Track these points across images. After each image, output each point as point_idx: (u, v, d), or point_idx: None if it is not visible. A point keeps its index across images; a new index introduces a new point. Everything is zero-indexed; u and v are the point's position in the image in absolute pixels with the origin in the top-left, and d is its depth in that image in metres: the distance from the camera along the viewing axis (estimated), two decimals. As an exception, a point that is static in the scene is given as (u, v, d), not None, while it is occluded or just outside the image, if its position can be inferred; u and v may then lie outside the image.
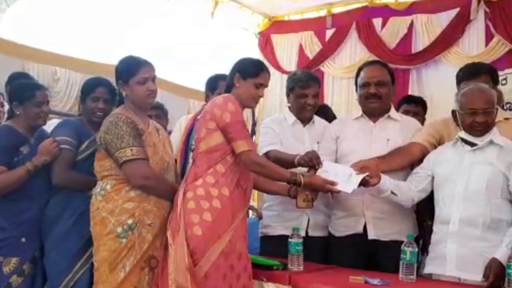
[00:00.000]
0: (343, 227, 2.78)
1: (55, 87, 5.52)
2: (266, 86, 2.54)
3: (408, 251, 2.27)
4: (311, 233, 2.82)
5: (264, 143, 2.97)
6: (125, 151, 2.39)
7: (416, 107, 3.67)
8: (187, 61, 5.90)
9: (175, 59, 5.21)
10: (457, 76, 2.89)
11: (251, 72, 2.50)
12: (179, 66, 5.48)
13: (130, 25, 5.46)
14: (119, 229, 2.36)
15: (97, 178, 2.51)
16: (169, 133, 3.22)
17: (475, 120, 2.40)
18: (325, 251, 2.87)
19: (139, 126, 2.50)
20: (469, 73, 2.79)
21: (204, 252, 2.24)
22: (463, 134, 2.47)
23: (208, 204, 2.31)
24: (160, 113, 3.74)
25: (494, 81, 2.80)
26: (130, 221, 2.37)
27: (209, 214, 2.29)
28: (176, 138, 3.28)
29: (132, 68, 2.52)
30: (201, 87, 6.14)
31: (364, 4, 6.08)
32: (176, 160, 2.95)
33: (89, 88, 2.82)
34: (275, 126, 3.04)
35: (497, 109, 2.44)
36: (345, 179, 2.51)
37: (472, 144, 2.44)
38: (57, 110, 4.96)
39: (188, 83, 5.95)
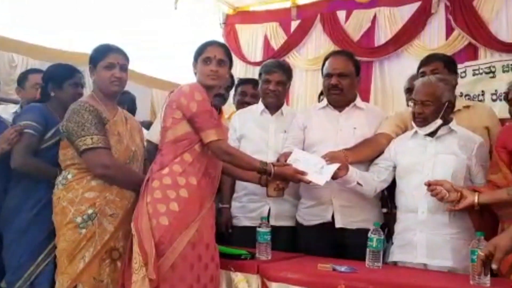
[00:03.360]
0: (311, 216, 2.79)
1: (13, 74, 5.32)
2: (217, 59, 2.43)
3: (375, 239, 2.30)
4: (274, 222, 2.81)
5: None
6: (86, 140, 2.34)
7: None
8: (150, 51, 5.78)
9: (138, 48, 5.09)
10: (418, 66, 2.99)
11: (197, 52, 2.48)
12: (143, 55, 5.36)
13: (91, 13, 5.30)
14: (79, 219, 2.32)
15: (61, 167, 2.45)
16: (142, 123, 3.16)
17: (414, 110, 2.49)
18: (292, 240, 2.88)
19: (103, 115, 2.45)
20: (424, 60, 2.93)
21: (171, 242, 2.20)
22: (413, 123, 2.56)
23: (175, 194, 2.27)
24: None
25: (448, 68, 2.86)
26: (90, 211, 2.33)
27: (175, 203, 2.25)
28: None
29: (100, 53, 2.49)
30: (165, 76, 6.09)
31: (329, -4, 6.14)
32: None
33: (68, 74, 2.76)
34: (237, 120, 3.08)
35: (449, 101, 2.48)
36: (316, 170, 2.51)
37: (432, 134, 2.50)
38: (14, 97, 4.76)
39: (152, 72, 5.86)
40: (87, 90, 2.91)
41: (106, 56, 2.48)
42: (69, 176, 2.40)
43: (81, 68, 2.90)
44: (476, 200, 2.24)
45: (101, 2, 5.37)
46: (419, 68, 2.93)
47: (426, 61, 2.91)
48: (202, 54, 2.45)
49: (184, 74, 2.62)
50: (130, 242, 2.28)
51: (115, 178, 2.40)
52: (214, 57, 2.43)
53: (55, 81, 2.74)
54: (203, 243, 2.28)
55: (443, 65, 2.86)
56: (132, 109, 3.58)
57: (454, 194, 2.29)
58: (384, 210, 2.96)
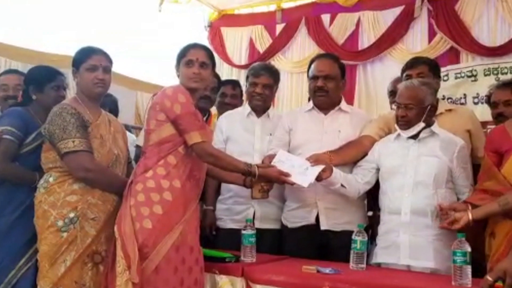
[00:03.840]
0: (296, 218, 2.80)
1: (-5, 77, 5.24)
2: (200, 62, 2.42)
3: (359, 240, 2.31)
4: (259, 225, 2.81)
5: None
6: (67, 142, 2.32)
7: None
8: (134, 53, 5.75)
9: (122, 50, 5.06)
10: (402, 69, 3.00)
11: (179, 54, 2.48)
12: (127, 57, 5.33)
13: (75, 15, 5.26)
14: (60, 223, 2.30)
15: (44, 171, 2.43)
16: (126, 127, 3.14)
17: (398, 114, 2.53)
18: (277, 243, 2.88)
19: (85, 117, 2.43)
20: (408, 64, 2.94)
21: (154, 245, 2.19)
22: (396, 126, 2.59)
23: (159, 197, 2.26)
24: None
25: (433, 72, 2.91)
26: (71, 215, 2.31)
27: (159, 206, 2.24)
28: None
29: (83, 55, 2.48)
30: (149, 79, 6.07)
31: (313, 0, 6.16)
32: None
33: (50, 76, 2.73)
34: (224, 122, 3.08)
35: (431, 104, 2.51)
36: (301, 171, 2.52)
37: (414, 137, 2.53)
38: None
39: (136, 75, 5.83)
40: (71, 93, 2.88)
41: (89, 58, 2.46)
42: (51, 180, 2.38)
43: (65, 70, 2.87)
44: (470, 218, 2.23)
45: (85, 4, 5.34)
46: (404, 71, 2.95)
47: (412, 65, 2.93)
48: (184, 57, 2.45)
49: (169, 77, 2.61)
50: (114, 246, 2.26)
51: (97, 181, 2.38)
52: (197, 59, 2.43)
53: (36, 84, 2.70)
54: (187, 246, 2.27)
55: (428, 68, 2.89)
56: (115, 112, 3.55)
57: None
58: (370, 213, 2.98)
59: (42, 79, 2.71)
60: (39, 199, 2.37)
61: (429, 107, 2.50)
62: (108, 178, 2.43)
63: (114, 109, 3.66)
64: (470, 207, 2.28)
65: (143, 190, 2.26)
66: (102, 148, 2.46)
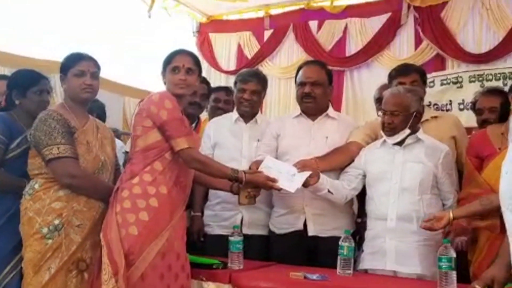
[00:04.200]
0: (284, 224, 2.80)
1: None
2: (186, 68, 2.42)
3: (346, 246, 2.32)
4: (247, 231, 2.82)
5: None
6: (52, 149, 2.30)
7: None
8: (123, 59, 5.73)
9: (110, 56, 5.04)
10: (390, 75, 3.00)
11: (165, 61, 2.48)
12: (115, 63, 5.31)
13: (62, 20, 5.23)
14: (45, 230, 2.28)
15: (30, 177, 2.41)
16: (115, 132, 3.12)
17: (384, 120, 2.54)
18: (265, 249, 2.88)
19: (72, 124, 2.41)
20: (401, 71, 2.93)
21: (140, 252, 2.17)
22: (382, 132, 2.60)
23: (145, 203, 2.24)
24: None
25: (423, 80, 2.95)
26: (56, 222, 2.29)
27: (145, 213, 2.23)
28: None
29: (71, 61, 2.47)
30: (137, 84, 6.04)
31: (301, 6, 6.21)
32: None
33: (33, 81, 2.68)
34: (212, 128, 3.08)
35: (417, 111, 2.53)
36: (288, 177, 2.53)
37: (400, 143, 2.54)
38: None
39: (124, 80, 5.81)
40: (58, 98, 2.85)
41: (77, 64, 2.45)
42: (36, 186, 2.35)
43: (50, 75, 2.85)
44: (451, 216, 2.24)
45: (73, 9, 5.31)
46: (394, 77, 2.93)
47: (405, 72, 2.91)
48: (170, 63, 2.45)
49: (157, 82, 2.61)
50: (100, 253, 2.25)
51: (82, 188, 2.36)
52: (183, 66, 2.43)
53: (20, 88, 2.66)
54: (173, 252, 2.26)
55: (419, 76, 2.92)
56: (102, 117, 3.53)
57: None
58: (359, 220, 2.98)
59: (25, 83, 2.68)
60: (24, 206, 2.35)
61: (414, 114, 2.53)
62: (94, 185, 2.42)
63: (101, 115, 3.64)
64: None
65: (129, 197, 2.25)
66: (88, 154, 2.44)
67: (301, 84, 2.86)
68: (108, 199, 2.34)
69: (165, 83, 2.48)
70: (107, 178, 2.52)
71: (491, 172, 2.40)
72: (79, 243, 2.32)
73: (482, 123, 2.97)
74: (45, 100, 2.69)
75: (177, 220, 2.32)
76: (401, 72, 2.93)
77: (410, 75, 2.88)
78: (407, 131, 2.53)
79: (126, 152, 3.22)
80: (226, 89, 3.71)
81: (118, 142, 3.30)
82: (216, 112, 3.48)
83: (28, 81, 2.68)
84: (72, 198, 2.35)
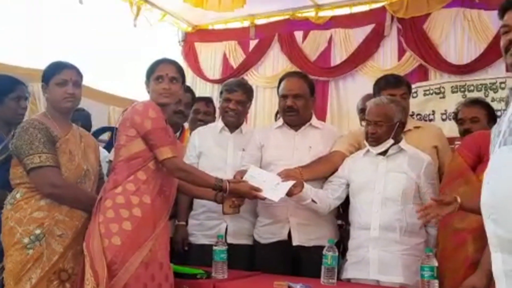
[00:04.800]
0: (268, 234, 2.80)
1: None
2: (169, 77, 2.42)
3: (330, 256, 2.33)
4: (231, 240, 2.81)
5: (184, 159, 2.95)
6: (33, 158, 2.29)
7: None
8: (108, 68, 5.70)
9: (95, 65, 5.01)
10: (378, 85, 3.01)
11: (149, 70, 2.48)
12: (100, 72, 5.28)
13: (46, 28, 5.18)
14: (26, 240, 2.25)
15: (12, 186, 2.38)
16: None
17: (368, 130, 2.56)
18: (249, 258, 2.88)
19: (54, 133, 2.39)
20: (393, 82, 2.95)
21: (123, 262, 2.15)
22: (365, 142, 2.63)
23: (128, 213, 2.23)
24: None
25: (410, 92, 3.00)
26: (38, 231, 2.26)
27: (129, 223, 2.21)
28: None
29: (52, 70, 2.45)
30: (122, 93, 6.01)
31: (286, 16, 6.27)
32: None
33: (10, 87, 2.66)
34: (197, 138, 3.08)
35: (400, 121, 2.56)
36: (272, 186, 2.54)
37: (383, 153, 2.57)
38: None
39: (109, 89, 5.77)
40: (41, 107, 2.82)
41: (59, 73, 2.44)
42: (18, 196, 2.33)
43: (31, 84, 2.82)
44: (459, 201, 2.02)
45: (57, 17, 5.27)
46: (383, 88, 2.93)
47: (396, 84, 2.91)
48: (154, 72, 2.45)
49: (142, 92, 2.61)
50: (83, 263, 2.23)
51: (63, 197, 2.34)
52: (166, 75, 2.43)
53: None
54: (156, 262, 2.25)
55: (408, 88, 2.96)
56: (87, 126, 3.51)
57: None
58: (339, 221, 2.97)
59: (2, 90, 2.66)
60: (5, 216, 2.32)
61: (397, 124, 2.56)
62: (75, 194, 2.40)
63: (86, 124, 3.61)
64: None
65: (112, 206, 2.24)
66: (71, 163, 2.42)
67: (283, 97, 2.87)
68: (90, 209, 2.32)
69: (149, 92, 2.48)
70: (90, 187, 2.51)
71: None
72: (61, 253, 2.30)
73: (464, 133, 3.01)
74: (23, 106, 2.66)
75: (161, 230, 2.31)
76: (392, 84, 2.93)
77: (401, 88, 2.91)
78: (391, 141, 2.56)
79: (110, 161, 3.20)
80: (206, 100, 3.72)
81: (103, 151, 3.28)
82: (196, 123, 3.48)
83: (4, 87, 2.66)
84: (54, 207, 2.32)
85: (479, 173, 2.30)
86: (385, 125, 2.53)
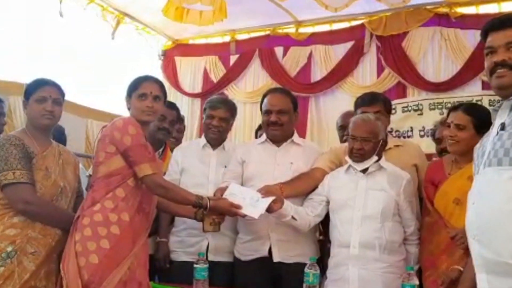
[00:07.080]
0: (248, 251, 2.78)
1: None
2: (153, 96, 2.41)
3: (311, 274, 2.32)
4: (212, 257, 2.78)
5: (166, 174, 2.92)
6: (7, 174, 2.25)
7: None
8: (86, 81, 5.64)
9: (73, 78, 4.95)
10: (356, 103, 3.03)
11: (131, 87, 2.46)
12: (78, 85, 5.22)
13: (25, 41, 5.11)
14: None
15: None
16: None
17: (354, 146, 2.56)
18: (230, 276, 2.84)
19: (30, 149, 2.35)
20: (367, 100, 2.96)
21: (101, 281, 2.11)
22: (348, 158, 2.62)
23: (106, 231, 2.19)
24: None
25: (387, 110, 2.99)
26: (9, 249, 2.21)
27: (106, 241, 2.17)
28: None
29: (33, 86, 2.43)
30: (101, 107, 5.94)
31: (267, 32, 6.31)
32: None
33: None
34: (179, 154, 3.06)
35: (383, 139, 2.59)
36: (252, 203, 2.52)
37: (363, 170, 2.58)
38: None
39: (87, 103, 5.71)
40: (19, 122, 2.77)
41: (39, 90, 2.41)
42: (-9, 213, 2.27)
43: (9, 97, 2.77)
44: None
45: (36, 30, 5.21)
46: (359, 106, 2.94)
47: (370, 102, 2.91)
48: (137, 89, 2.43)
49: (121, 105, 2.57)
50: (56, 280, 2.20)
51: (37, 214, 2.30)
52: (150, 93, 2.42)
53: None
54: (135, 281, 2.21)
55: (383, 106, 2.93)
56: (60, 140, 3.44)
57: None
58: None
59: None
60: (-21, 233, 2.25)
61: (381, 142, 2.57)
62: (49, 211, 2.35)
63: (60, 138, 3.53)
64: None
65: (90, 224, 2.19)
66: (46, 180, 2.37)
67: (266, 112, 2.87)
68: (66, 227, 2.28)
69: (129, 108, 2.46)
70: (67, 205, 2.46)
71: (440, 198, 2.50)
72: (33, 271, 2.24)
73: (441, 152, 3.04)
74: (1, 123, 2.61)
75: (140, 248, 2.27)
76: (366, 102, 2.95)
77: (375, 105, 2.89)
78: (375, 157, 2.57)
79: (90, 176, 3.14)
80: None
81: (83, 168, 3.21)
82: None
83: None
84: (27, 225, 2.27)
85: (435, 195, 2.54)
86: (372, 142, 2.54)
